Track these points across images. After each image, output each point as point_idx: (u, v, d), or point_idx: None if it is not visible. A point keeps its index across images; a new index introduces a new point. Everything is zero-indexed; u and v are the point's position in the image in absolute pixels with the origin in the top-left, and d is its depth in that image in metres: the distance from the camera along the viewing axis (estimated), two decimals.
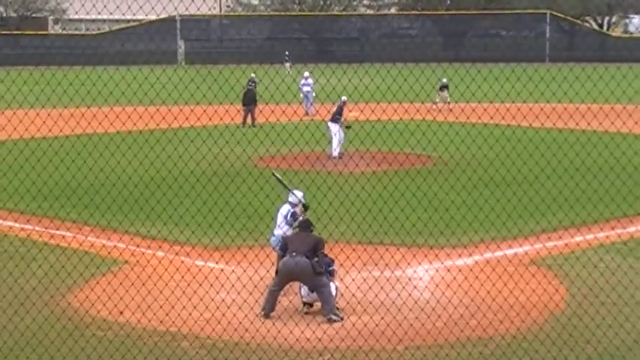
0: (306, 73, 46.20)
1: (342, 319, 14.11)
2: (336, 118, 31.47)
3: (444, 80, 47.46)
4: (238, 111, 44.28)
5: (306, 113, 42.84)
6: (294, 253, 14.17)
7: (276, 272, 14.57)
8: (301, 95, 45.91)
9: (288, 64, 76.52)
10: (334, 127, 31.30)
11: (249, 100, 41.17)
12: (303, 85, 46.51)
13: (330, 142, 31.45)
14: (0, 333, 13.41)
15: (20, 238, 19.03)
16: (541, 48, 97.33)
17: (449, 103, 47.55)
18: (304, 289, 14.49)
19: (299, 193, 15.95)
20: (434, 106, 45.87)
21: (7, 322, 13.78)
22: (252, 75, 48.09)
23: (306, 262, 14.09)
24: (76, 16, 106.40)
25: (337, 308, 14.30)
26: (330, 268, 14.61)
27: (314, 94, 45.62)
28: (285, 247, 14.46)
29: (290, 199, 15.89)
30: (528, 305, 14.57)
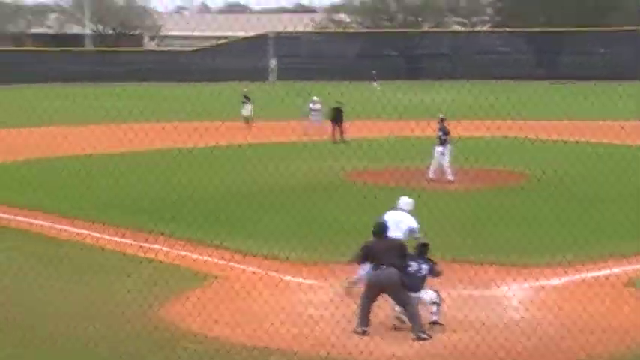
0: (315, 98, 45.42)
1: (430, 337, 13.89)
2: (441, 139, 30.05)
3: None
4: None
5: (305, 133, 42.48)
6: (383, 266, 13.99)
7: (366, 285, 14.40)
8: (310, 116, 44.63)
9: (375, 83, 77.33)
10: (437, 149, 30.09)
11: (337, 116, 40.92)
12: (312, 108, 45.73)
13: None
14: (97, 344, 13.57)
15: (114, 252, 19.26)
16: (636, 65, 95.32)
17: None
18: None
19: (409, 201, 16.21)
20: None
21: (106, 333, 13.90)
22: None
23: (395, 273, 13.92)
24: (170, 33, 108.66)
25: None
26: (429, 268, 14.44)
27: (321, 114, 44.90)
28: (366, 257, 14.29)
29: (400, 205, 16.05)
30: (621, 329, 14.18)
